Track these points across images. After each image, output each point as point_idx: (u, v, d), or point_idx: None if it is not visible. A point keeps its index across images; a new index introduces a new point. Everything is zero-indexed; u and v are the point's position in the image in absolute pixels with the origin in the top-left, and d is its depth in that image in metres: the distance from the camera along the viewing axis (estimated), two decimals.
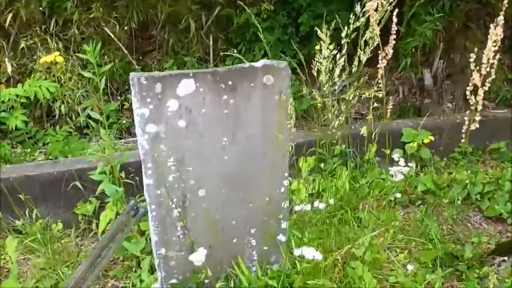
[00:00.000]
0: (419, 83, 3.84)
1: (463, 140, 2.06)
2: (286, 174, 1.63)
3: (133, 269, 1.82)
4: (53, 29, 3.39)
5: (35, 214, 2.03)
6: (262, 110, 1.48)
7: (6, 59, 3.26)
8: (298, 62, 2.58)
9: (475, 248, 1.93)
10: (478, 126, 2.02)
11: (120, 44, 3.46)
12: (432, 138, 2.56)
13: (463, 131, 2.08)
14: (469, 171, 2.46)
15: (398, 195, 2.20)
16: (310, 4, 3.68)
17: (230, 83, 1.40)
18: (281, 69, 1.45)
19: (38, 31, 3.27)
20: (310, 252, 1.33)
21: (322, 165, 2.18)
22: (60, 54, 3.39)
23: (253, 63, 1.43)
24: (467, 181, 2.40)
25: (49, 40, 3.31)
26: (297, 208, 1.96)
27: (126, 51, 3.56)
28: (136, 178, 2.14)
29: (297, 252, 1.36)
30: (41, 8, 3.42)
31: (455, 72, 3.72)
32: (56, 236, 2.09)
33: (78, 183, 2.11)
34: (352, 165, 2.38)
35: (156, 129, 1.39)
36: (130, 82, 1.31)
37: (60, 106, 3.07)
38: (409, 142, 2.59)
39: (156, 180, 1.46)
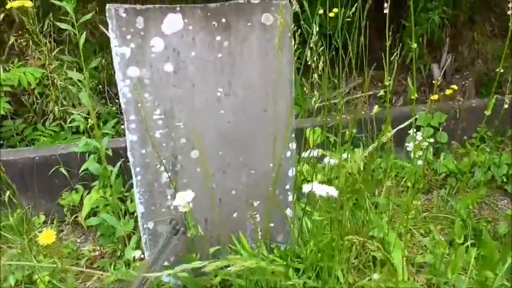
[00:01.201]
0: (427, 79, 3.68)
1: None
2: (292, 135, 1.43)
3: (119, 253, 1.59)
4: (46, 29, 3.28)
5: (12, 202, 1.82)
6: (261, 55, 1.29)
7: None
8: (300, 63, 2.42)
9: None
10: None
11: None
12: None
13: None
14: (491, 155, 2.24)
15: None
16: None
17: (224, 20, 1.23)
18: (282, 7, 1.27)
19: (31, 30, 3.16)
20: (323, 188, 1.10)
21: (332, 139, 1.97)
22: (54, 55, 3.26)
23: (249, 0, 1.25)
24: (490, 163, 2.17)
25: (42, 39, 3.19)
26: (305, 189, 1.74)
27: None
28: (128, 164, 1.96)
29: (306, 188, 1.13)
30: (35, 9, 3.33)
31: (465, 65, 3.56)
32: (37, 229, 1.87)
33: (63, 170, 1.91)
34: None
35: (139, 73, 1.21)
36: (107, 14, 1.14)
37: (53, 108, 2.92)
38: (424, 126, 2.38)
39: (141, 136, 1.26)
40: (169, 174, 1.31)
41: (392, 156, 2.23)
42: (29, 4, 1.32)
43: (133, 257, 1.37)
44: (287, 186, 1.47)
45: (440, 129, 2.37)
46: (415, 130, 2.09)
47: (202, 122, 1.30)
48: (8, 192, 1.72)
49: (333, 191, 1.09)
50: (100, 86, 3.34)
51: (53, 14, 3.42)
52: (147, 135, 1.25)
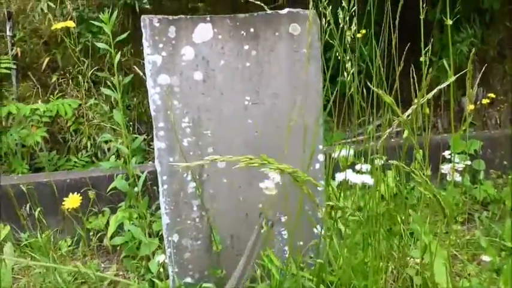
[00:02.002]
0: (459, 114, 3.60)
1: None
2: (321, 147, 1.40)
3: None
4: (85, 70, 3.47)
5: (41, 226, 1.83)
6: (288, 65, 1.30)
7: (39, 101, 3.32)
8: (327, 100, 2.43)
9: None
10: None
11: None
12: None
13: None
14: None
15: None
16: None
17: (252, 30, 1.26)
18: (309, 18, 1.30)
19: (71, 70, 3.35)
20: (358, 177, 1.04)
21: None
22: (90, 93, 3.42)
23: (277, 10, 1.29)
24: None
25: (80, 79, 3.37)
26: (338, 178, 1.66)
27: None
28: (154, 187, 1.96)
29: (339, 176, 1.07)
30: (76, 53, 3.56)
31: (497, 98, 3.47)
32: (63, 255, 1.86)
33: (91, 193, 1.93)
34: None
35: (169, 81, 1.23)
36: (142, 24, 1.20)
37: (86, 142, 3.03)
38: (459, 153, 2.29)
39: (169, 144, 1.26)
40: (196, 183, 1.29)
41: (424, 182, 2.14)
42: (71, 25, 1.40)
43: (158, 261, 1.32)
44: (316, 200, 1.41)
45: (478, 157, 2.28)
46: (450, 152, 2.02)
47: (229, 131, 1.30)
48: (37, 212, 1.74)
49: (368, 179, 1.03)
50: (131, 123, 3.45)
51: (91, 56, 3.64)
52: (175, 143, 1.26)
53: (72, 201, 1.28)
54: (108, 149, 3.09)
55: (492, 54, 3.54)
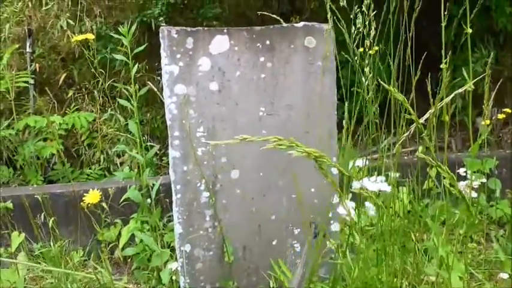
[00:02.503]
0: (473, 135, 3.57)
1: None
2: (335, 160, 1.39)
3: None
4: (101, 86, 3.54)
5: (55, 236, 1.84)
6: (303, 77, 1.32)
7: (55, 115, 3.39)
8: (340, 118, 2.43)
9: None
10: None
11: (162, 99, 3.53)
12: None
13: None
14: None
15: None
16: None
17: (268, 42, 1.28)
18: (324, 31, 1.32)
19: (87, 85, 3.42)
20: (374, 185, 1.03)
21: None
22: (105, 108, 3.48)
23: (293, 24, 1.31)
24: None
25: (96, 94, 3.43)
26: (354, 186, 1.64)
27: None
28: (166, 200, 1.96)
29: (356, 184, 1.06)
30: (95, 65, 3.64)
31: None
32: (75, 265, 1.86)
33: (104, 204, 1.94)
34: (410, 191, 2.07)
35: (186, 91, 1.25)
36: (160, 34, 1.22)
37: (99, 156, 3.07)
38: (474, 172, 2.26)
39: (184, 153, 1.27)
40: (209, 194, 1.29)
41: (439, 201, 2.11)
42: (91, 37, 1.44)
43: (170, 269, 1.31)
44: (330, 214, 1.40)
45: (493, 176, 2.24)
46: (465, 170, 1.99)
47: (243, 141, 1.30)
48: (51, 221, 1.75)
49: (385, 187, 1.02)
50: (144, 137, 3.49)
51: (107, 72, 3.71)
52: (189, 152, 1.27)
53: (92, 197, 1.29)
54: (121, 163, 3.12)
55: (506, 74, 3.53)
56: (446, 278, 1.35)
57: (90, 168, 2.81)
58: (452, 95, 1.06)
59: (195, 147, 1.27)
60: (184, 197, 1.29)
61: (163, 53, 1.23)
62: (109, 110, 2.93)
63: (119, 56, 1.52)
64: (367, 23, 1.42)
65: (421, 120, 0.98)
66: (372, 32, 1.37)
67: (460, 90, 1.05)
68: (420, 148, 2.06)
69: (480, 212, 2.09)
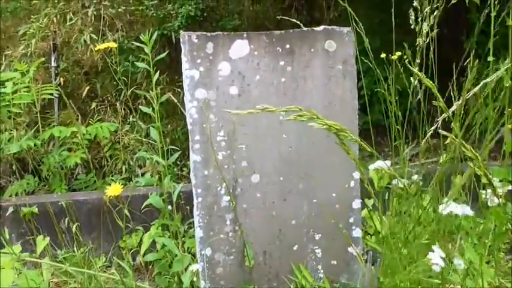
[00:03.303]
0: (497, 144, 3.48)
1: None
2: (356, 164, 1.38)
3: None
4: (123, 98, 3.61)
5: (78, 242, 1.86)
6: (323, 81, 1.32)
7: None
8: (360, 129, 2.41)
9: None
10: None
11: (183, 110, 3.58)
12: None
13: None
14: None
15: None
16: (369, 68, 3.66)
17: (288, 46, 1.29)
18: (344, 34, 1.32)
19: (109, 98, 3.49)
20: (460, 209, 1.02)
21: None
22: (126, 120, 3.54)
23: (313, 27, 1.32)
24: None
25: (118, 107, 3.50)
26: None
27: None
28: (187, 207, 1.97)
29: (441, 208, 1.05)
30: (114, 82, 3.72)
31: None
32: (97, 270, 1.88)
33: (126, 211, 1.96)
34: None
35: (206, 95, 1.27)
36: (181, 39, 1.25)
37: (121, 167, 3.12)
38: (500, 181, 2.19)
39: (205, 157, 1.28)
40: (230, 198, 1.29)
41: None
42: (113, 45, 1.48)
43: (192, 271, 1.31)
44: (351, 220, 1.38)
45: None
46: (490, 175, 1.94)
47: (264, 145, 1.31)
48: (74, 227, 1.78)
49: (469, 211, 1.02)
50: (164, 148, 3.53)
51: (129, 85, 3.79)
52: (210, 156, 1.27)
53: (114, 189, 1.31)
54: (143, 174, 3.16)
55: None
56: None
57: (113, 178, 2.86)
58: (480, 84, 1.04)
59: (215, 151, 1.27)
60: (205, 201, 1.30)
61: (184, 58, 1.25)
62: (131, 117, 2.98)
63: (141, 64, 1.55)
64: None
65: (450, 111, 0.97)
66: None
67: (495, 75, 1.03)
68: (444, 155, 2.02)
69: (507, 221, 2.02)
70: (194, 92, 1.26)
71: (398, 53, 1.93)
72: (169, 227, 1.68)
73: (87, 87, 3.69)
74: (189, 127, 1.28)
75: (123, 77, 3.74)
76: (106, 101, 3.53)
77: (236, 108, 1.28)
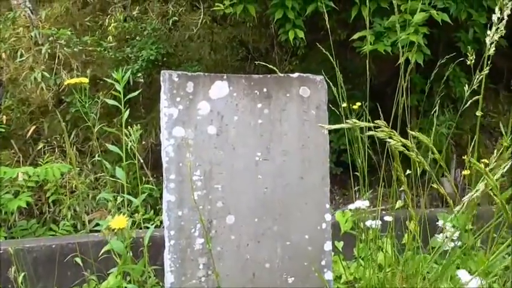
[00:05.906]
0: (439, 194, 3.72)
1: None
2: (327, 206, 1.40)
3: None
4: (72, 140, 3.45)
5: None
6: (298, 124, 1.36)
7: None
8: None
9: None
10: None
11: (138, 156, 3.48)
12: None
13: None
14: None
15: None
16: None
17: (265, 90, 1.33)
18: (317, 82, 1.39)
19: (58, 138, 3.33)
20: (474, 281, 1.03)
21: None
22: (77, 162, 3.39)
23: (288, 74, 1.38)
24: None
25: (67, 149, 3.34)
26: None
27: (143, 164, 3.55)
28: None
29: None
30: (64, 123, 3.56)
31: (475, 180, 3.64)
32: None
33: (78, 259, 1.82)
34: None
35: (184, 133, 1.25)
36: (161, 78, 1.25)
37: (66, 213, 2.93)
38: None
39: (179, 197, 1.24)
40: (204, 241, 1.25)
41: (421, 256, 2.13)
42: (85, 81, 1.44)
43: None
44: (323, 262, 1.38)
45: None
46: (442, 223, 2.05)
47: (239, 185, 1.30)
48: (21, 277, 1.60)
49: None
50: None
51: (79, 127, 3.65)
52: (184, 196, 1.24)
53: (119, 222, 1.21)
54: (89, 221, 2.97)
55: (466, 138, 3.79)
56: None
57: (57, 225, 2.65)
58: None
59: (192, 190, 1.24)
60: (178, 244, 1.24)
61: (163, 96, 1.24)
62: (88, 159, 2.84)
63: (110, 101, 1.52)
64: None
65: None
66: None
67: None
68: (399, 202, 2.11)
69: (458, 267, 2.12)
70: (172, 130, 1.24)
71: (358, 103, 2.05)
72: (130, 275, 1.57)
73: (33, 127, 3.50)
74: (165, 165, 1.24)
75: (73, 119, 3.61)
76: (54, 142, 3.36)
77: (214, 147, 1.28)
